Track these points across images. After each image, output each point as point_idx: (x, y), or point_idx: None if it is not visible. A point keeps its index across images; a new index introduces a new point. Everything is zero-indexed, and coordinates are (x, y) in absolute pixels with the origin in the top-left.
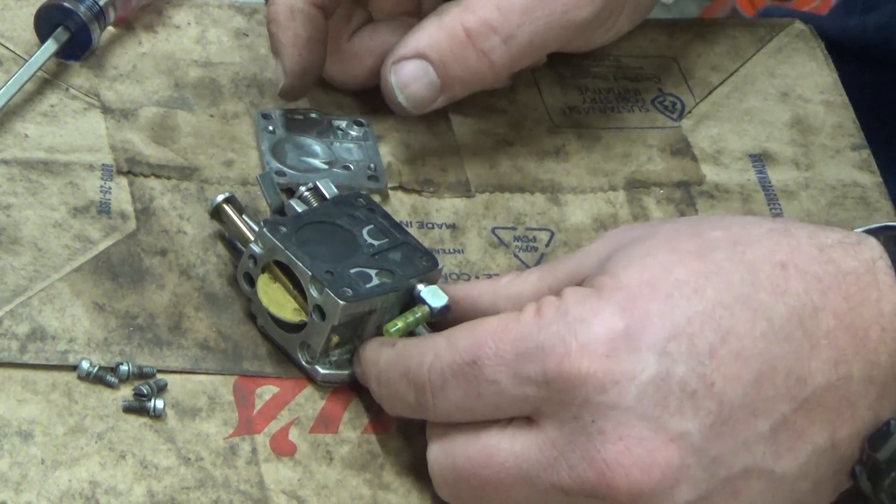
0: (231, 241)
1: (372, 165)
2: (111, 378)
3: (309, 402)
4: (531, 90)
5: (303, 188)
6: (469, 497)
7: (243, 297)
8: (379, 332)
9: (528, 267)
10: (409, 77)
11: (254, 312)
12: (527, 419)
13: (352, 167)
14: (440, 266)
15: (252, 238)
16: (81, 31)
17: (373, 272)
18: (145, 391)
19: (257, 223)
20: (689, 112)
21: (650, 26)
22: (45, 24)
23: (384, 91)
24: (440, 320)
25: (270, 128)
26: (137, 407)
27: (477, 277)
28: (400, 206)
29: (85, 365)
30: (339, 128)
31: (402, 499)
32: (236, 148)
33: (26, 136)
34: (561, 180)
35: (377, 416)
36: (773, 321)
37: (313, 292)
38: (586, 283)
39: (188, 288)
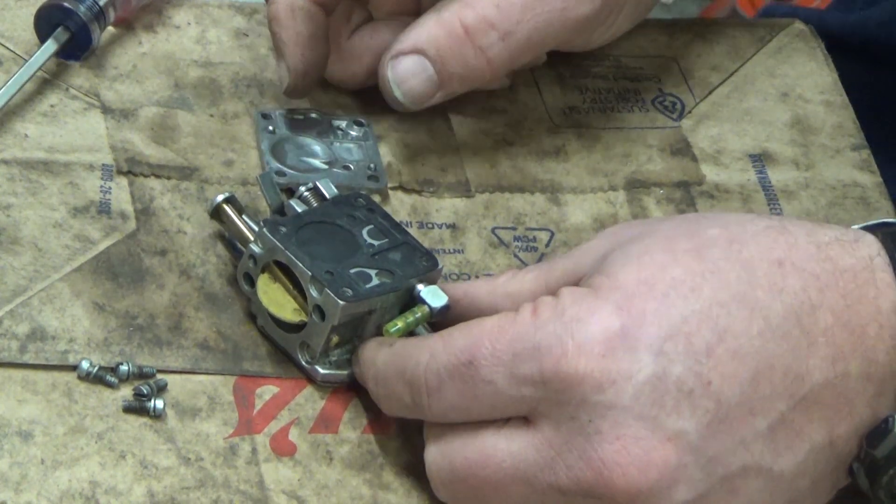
0: (231, 241)
1: (372, 165)
2: (111, 378)
3: (309, 402)
4: (531, 90)
5: (303, 188)
6: (467, 498)
7: (243, 297)
8: (379, 333)
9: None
10: (406, 72)
11: (254, 312)
12: (523, 419)
13: (352, 167)
14: (440, 266)
15: (252, 238)
16: (81, 31)
17: (373, 272)
18: (145, 391)
19: (257, 223)
20: (689, 112)
21: (650, 26)
22: (45, 24)
23: (381, 86)
24: (440, 320)
25: (270, 128)
26: (137, 407)
27: (477, 277)
28: (400, 206)
29: (85, 365)
30: (339, 128)
31: (402, 499)
32: (236, 148)
33: (26, 136)
34: (561, 180)
35: (377, 416)
36: (771, 319)
37: (313, 292)
38: (583, 282)
39: (188, 288)
